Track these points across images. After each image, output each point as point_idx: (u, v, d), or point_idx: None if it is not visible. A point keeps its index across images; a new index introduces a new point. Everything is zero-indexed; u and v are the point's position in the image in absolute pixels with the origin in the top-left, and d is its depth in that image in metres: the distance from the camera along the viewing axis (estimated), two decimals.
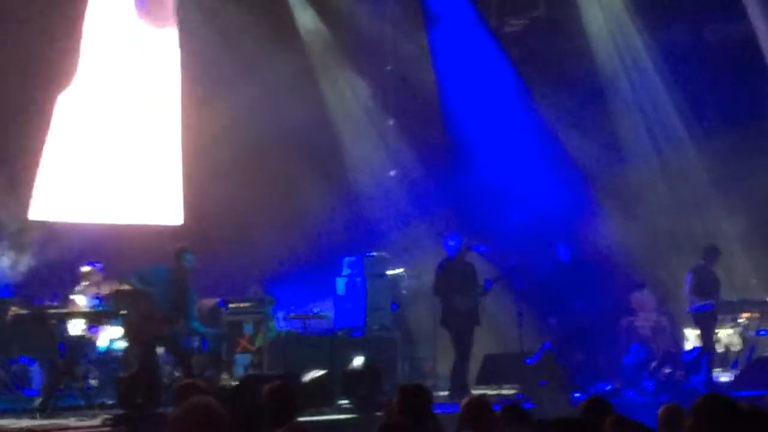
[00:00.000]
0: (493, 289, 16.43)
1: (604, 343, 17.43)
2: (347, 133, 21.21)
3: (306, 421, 9.30)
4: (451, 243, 16.35)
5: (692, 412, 5.43)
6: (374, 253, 18.54)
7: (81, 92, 17.66)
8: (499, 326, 17.56)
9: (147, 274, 14.16)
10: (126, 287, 14.48)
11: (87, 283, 15.79)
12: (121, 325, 14.81)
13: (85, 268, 15.91)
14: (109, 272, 15.79)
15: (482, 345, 16.69)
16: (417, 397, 7.68)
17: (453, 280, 16.13)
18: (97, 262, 16.01)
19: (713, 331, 16.99)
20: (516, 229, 19.29)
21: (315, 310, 17.67)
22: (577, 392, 15.19)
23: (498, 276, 16.47)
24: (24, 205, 16.94)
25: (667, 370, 17.49)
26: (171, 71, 18.81)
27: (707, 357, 16.63)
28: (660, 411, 7.69)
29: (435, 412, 8.09)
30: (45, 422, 12.38)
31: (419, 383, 8.20)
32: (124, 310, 14.02)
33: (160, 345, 14.16)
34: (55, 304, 14.97)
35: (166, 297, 14.01)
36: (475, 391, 15.13)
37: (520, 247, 18.38)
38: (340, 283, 18.03)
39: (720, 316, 17.06)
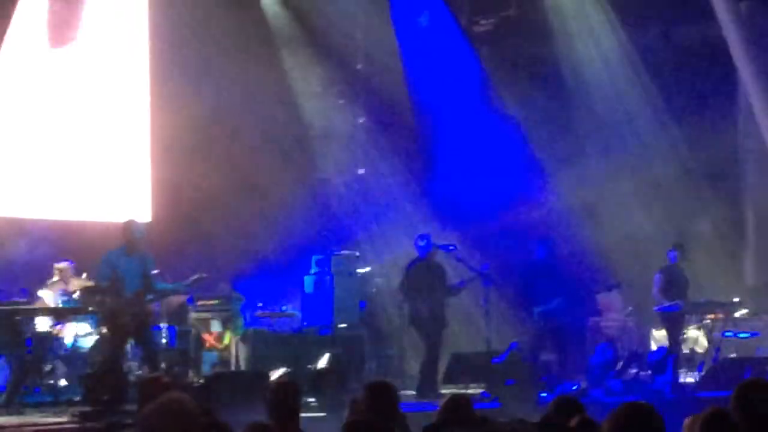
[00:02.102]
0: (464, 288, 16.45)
1: (571, 343, 17.47)
2: (317, 130, 21.20)
3: None
4: (421, 243, 16.31)
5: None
6: (343, 252, 18.53)
7: (46, 88, 17.59)
8: (468, 325, 17.57)
9: (110, 262, 13.78)
10: (91, 283, 14.38)
11: (56, 279, 15.72)
12: (96, 322, 14.72)
13: (58, 265, 15.82)
14: (78, 269, 15.72)
15: (451, 344, 16.69)
16: (384, 395, 7.67)
17: (421, 281, 16.10)
18: (69, 259, 15.92)
19: (680, 331, 17.07)
20: (488, 228, 19.32)
21: (283, 308, 17.66)
22: (543, 392, 15.24)
23: (471, 278, 16.42)
24: None
25: (633, 371, 17.56)
26: (140, 67, 18.75)
27: (673, 357, 16.70)
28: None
29: (403, 410, 8.09)
30: (12, 418, 12.33)
31: (386, 381, 8.18)
32: (91, 306, 13.89)
33: (135, 339, 13.92)
34: (23, 300, 14.88)
35: (135, 273, 13.65)
36: (442, 390, 15.13)
37: (492, 246, 18.42)
38: (309, 281, 17.96)
39: (686, 317, 17.14)
